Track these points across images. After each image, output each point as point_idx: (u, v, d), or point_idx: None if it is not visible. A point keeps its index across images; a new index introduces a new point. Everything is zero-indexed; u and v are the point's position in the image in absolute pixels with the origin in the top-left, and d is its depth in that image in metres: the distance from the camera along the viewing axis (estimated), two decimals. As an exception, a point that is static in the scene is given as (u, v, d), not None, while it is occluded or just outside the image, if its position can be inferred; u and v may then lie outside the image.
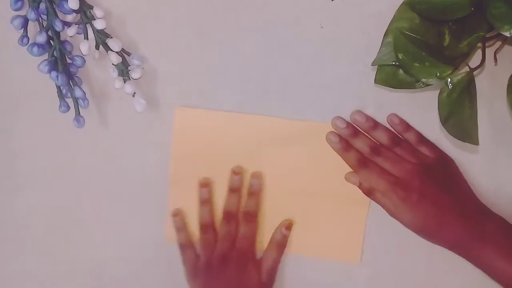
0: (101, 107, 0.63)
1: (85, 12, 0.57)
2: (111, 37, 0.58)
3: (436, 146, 0.61)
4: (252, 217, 0.63)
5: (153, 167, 0.64)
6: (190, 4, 0.61)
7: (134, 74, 0.58)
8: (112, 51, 0.58)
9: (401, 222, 0.58)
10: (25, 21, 0.57)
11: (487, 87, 0.60)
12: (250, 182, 0.63)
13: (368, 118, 0.60)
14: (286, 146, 0.62)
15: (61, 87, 0.59)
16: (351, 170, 0.61)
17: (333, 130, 0.61)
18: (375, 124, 0.60)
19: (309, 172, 0.63)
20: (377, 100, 0.61)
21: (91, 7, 0.58)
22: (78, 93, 0.58)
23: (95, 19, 0.57)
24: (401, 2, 0.56)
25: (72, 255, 0.66)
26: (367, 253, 0.64)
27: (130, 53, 0.59)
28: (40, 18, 0.57)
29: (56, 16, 0.57)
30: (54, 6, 0.57)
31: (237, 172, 0.63)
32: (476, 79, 0.55)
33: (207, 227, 0.63)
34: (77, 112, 0.59)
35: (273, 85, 0.62)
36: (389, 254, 0.64)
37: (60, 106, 0.59)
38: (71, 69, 0.59)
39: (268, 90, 0.62)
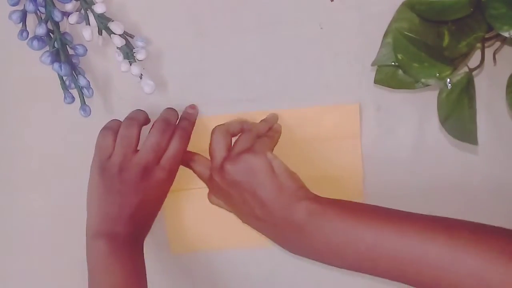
0: (101, 106, 0.63)
1: (84, -2, 0.57)
2: (113, 21, 0.58)
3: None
4: (185, 134, 0.60)
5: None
6: (190, 4, 0.61)
7: (139, 55, 0.59)
8: (115, 34, 0.58)
9: None
10: (24, 15, 0.57)
11: (486, 88, 0.60)
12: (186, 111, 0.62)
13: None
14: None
15: (64, 78, 0.59)
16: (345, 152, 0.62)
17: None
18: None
19: (299, 160, 0.62)
20: (376, 100, 0.61)
21: (90, -9, 0.58)
22: (82, 82, 0.59)
23: (94, 4, 0.57)
24: (401, 2, 0.56)
25: (73, 255, 0.66)
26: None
27: (133, 35, 0.59)
28: (38, 11, 0.57)
29: (54, 6, 0.57)
30: (52, -4, 0.57)
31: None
32: (475, 80, 0.55)
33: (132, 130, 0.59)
34: (83, 102, 0.60)
35: (272, 85, 0.62)
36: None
37: (64, 98, 0.59)
38: (73, 60, 0.59)
39: (268, 90, 0.62)
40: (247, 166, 0.55)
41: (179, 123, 0.61)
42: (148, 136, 0.59)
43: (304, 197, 0.53)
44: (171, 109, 0.62)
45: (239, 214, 0.59)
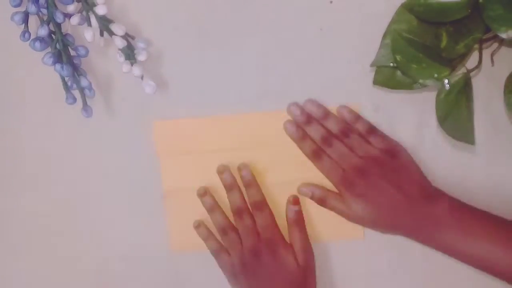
0: (103, 107, 0.64)
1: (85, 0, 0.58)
2: (114, 22, 0.58)
3: (385, 136, 0.61)
4: (260, 204, 0.62)
5: (157, 164, 0.64)
6: (190, 5, 0.62)
7: (140, 56, 0.59)
8: (116, 35, 0.58)
9: (354, 220, 0.60)
10: (26, 16, 0.58)
11: (484, 88, 0.60)
12: (241, 175, 0.63)
13: (320, 106, 0.61)
14: (268, 139, 0.63)
15: (66, 79, 0.59)
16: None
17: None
18: (326, 114, 0.61)
19: (299, 160, 0.63)
20: (375, 101, 0.62)
21: (91, -6, 0.58)
22: (84, 82, 0.59)
23: (96, 6, 0.58)
24: (399, 4, 0.57)
25: (74, 255, 0.66)
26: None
27: (134, 37, 0.60)
28: (40, 13, 0.57)
29: (56, 7, 0.57)
30: (54, -2, 0.57)
31: (221, 171, 0.63)
32: (473, 80, 0.56)
33: (225, 229, 0.63)
34: (84, 102, 0.60)
35: (272, 86, 0.62)
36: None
37: (66, 98, 0.60)
38: (74, 61, 0.60)
39: (268, 90, 0.62)
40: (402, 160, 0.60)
41: (248, 193, 0.63)
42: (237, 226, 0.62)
43: (442, 193, 0.59)
44: (231, 192, 0.63)
45: (378, 215, 0.59)
